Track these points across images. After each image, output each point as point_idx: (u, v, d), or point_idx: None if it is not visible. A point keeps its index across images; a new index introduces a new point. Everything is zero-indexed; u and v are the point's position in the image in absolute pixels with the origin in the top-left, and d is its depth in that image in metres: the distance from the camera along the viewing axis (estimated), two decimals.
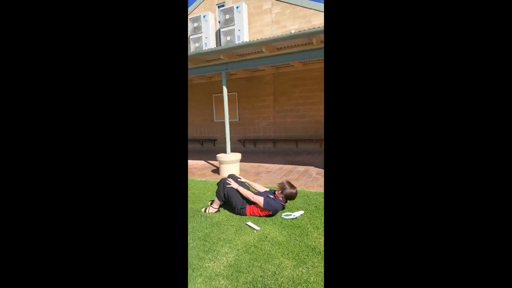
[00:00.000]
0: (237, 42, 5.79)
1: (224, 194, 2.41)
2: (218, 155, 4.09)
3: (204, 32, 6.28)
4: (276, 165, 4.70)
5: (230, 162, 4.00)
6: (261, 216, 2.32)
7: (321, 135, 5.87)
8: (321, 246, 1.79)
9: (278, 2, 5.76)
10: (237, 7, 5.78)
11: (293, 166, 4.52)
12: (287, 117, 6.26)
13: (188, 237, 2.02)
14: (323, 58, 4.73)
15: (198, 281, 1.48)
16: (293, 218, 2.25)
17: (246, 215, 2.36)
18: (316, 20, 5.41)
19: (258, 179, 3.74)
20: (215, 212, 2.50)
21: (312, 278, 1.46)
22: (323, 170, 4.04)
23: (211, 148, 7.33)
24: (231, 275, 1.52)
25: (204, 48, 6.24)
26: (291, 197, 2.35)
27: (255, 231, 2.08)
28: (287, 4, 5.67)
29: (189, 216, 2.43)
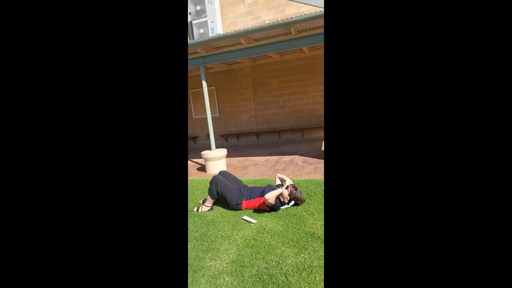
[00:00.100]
0: (211, 34, 5.61)
1: (218, 192, 2.37)
2: (203, 152, 4.00)
3: None
4: (262, 157, 4.72)
5: (216, 159, 3.93)
6: (255, 210, 2.32)
7: (302, 124, 5.99)
8: (319, 231, 1.85)
9: None
10: None
11: (278, 156, 4.57)
12: (268, 109, 6.28)
13: None
14: (300, 48, 4.77)
15: (202, 282, 1.46)
16: (287, 207, 2.29)
17: (241, 210, 2.36)
18: (289, 10, 5.40)
19: (247, 172, 3.74)
20: (208, 210, 2.46)
21: (315, 262, 1.51)
22: (308, 158, 4.14)
23: (192, 146, 7.15)
24: (235, 271, 1.52)
25: None
26: (297, 200, 2.27)
27: (252, 224, 2.08)
28: None
29: None
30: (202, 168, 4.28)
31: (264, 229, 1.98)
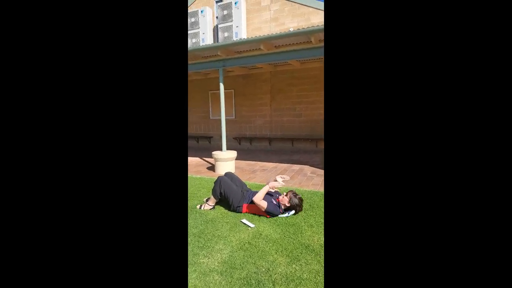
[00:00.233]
0: (235, 38, 5.75)
1: (221, 192, 2.41)
2: (213, 152, 4.08)
3: (201, 28, 6.22)
4: (271, 163, 4.71)
5: (226, 160, 3.99)
6: (255, 214, 2.33)
7: (317, 134, 5.90)
8: (314, 244, 1.82)
9: None
10: (235, 3, 5.73)
11: (288, 164, 4.54)
12: (284, 115, 6.27)
13: None
14: (321, 57, 4.74)
15: (193, 277, 1.49)
16: (287, 216, 2.27)
17: (241, 213, 2.37)
18: (315, 18, 5.40)
19: (254, 177, 3.75)
20: (210, 209, 2.50)
21: (305, 275, 1.48)
22: (317, 169, 4.07)
23: (206, 146, 7.30)
24: (225, 271, 1.53)
25: (201, 44, 6.18)
26: (295, 208, 2.27)
27: (249, 228, 2.09)
28: (286, 1, 5.65)
29: None
30: (212, 168, 4.36)
31: (261, 234, 1.98)
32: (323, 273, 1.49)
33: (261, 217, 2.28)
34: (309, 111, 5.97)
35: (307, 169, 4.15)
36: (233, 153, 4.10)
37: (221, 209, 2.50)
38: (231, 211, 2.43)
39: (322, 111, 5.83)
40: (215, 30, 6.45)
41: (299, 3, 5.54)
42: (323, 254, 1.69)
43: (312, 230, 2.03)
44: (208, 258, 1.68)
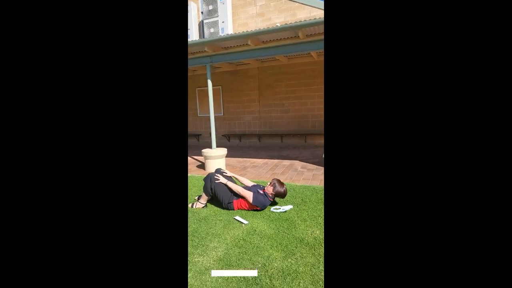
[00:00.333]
0: (221, 34, 5.66)
1: (211, 189, 2.38)
2: (203, 150, 4.02)
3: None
4: (262, 159, 4.72)
5: (216, 157, 3.95)
6: (248, 210, 2.33)
7: (305, 130, 5.97)
8: (308, 238, 1.84)
9: None
10: None
11: (278, 160, 4.56)
12: (272, 111, 6.28)
13: None
14: (308, 53, 4.76)
15: (188, 276, 1.47)
16: (282, 212, 2.28)
17: (234, 210, 2.36)
18: (301, 13, 5.41)
19: (245, 173, 3.74)
20: (203, 207, 2.47)
21: (301, 268, 1.50)
22: (307, 164, 4.13)
23: (195, 143, 7.19)
24: (221, 268, 1.52)
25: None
26: (280, 195, 2.36)
27: (243, 225, 2.09)
28: None
29: None
30: (202, 166, 4.30)
31: (255, 230, 1.98)
32: (319, 266, 1.52)
33: (255, 213, 2.28)
34: (297, 106, 6.01)
35: (297, 164, 4.19)
36: (223, 151, 4.06)
37: (213, 207, 2.48)
38: (224, 208, 2.41)
39: (310, 106, 5.89)
40: (201, 25, 6.31)
41: None
42: (317, 247, 1.72)
43: (305, 224, 2.06)
44: (203, 256, 1.66)
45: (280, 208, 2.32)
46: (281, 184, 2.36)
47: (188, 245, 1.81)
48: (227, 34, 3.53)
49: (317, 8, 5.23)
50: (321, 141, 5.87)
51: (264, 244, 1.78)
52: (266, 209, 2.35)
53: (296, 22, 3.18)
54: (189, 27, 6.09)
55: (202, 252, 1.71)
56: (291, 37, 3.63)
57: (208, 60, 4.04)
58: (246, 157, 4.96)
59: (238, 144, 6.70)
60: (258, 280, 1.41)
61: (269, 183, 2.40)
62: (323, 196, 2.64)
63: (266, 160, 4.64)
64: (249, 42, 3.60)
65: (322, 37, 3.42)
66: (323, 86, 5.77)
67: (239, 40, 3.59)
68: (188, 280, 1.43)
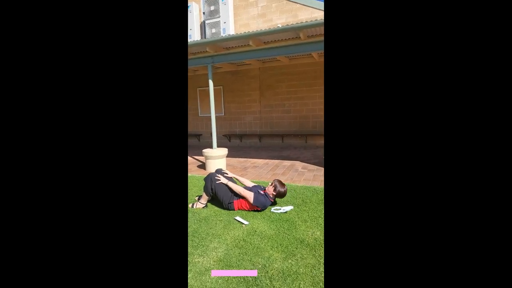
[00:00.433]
0: (222, 34, 5.67)
1: (212, 189, 2.38)
2: (204, 150, 4.02)
3: (188, 24, 6.08)
4: (262, 160, 4.71)
5: (217, 157, 3.95)
6: (249, 211, 2.32)
7: (306, 130, 5.96)
8: (309, 239, 1.84)
9: None
10: None
11: (279, 161, 4.56)
12: (273, 112, 6.28)
13: None
14: (310, 53, 4.76)
15: (189, 277, 1.46)
16: (282, 212, 2.28)
17: (234, 210, 2.36)
18: (302, 14, 5.41)
19: (245, 174, 3.74)
20: (203, 207, 2.47)
21: (301, 269, 1.49)
22: (308, 165, 4.12)
23: (196, 143, 7.20)
24: (221, 269, 1.52)
25: (189, 40, 6.05)
26: (281, 195, 2.36)
27: (244, 225, 2.08)
28: None
29: None
30: (203, 166, 4.30)
31: (255, 231, 1.97)
32: (319, 267, 1.51)
33: (255, 213, 2.28)
34: (298, 107, 6.01)
35: (298, 164, 4.18)
36: (224, 151, 4.06)
37: (214, 207, 2.47)
38: (224, 209, 2.41)
39: (311, 107, 5.89)
40: (202, 26, 6.32)
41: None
42: (318, 248, 1.71)
43: (306, 225, 2.05)
44: (203, 257, 1.66)
45: (280, 209, 2.31)
46: (282, 185, 2.36)
47: (188, 245, 1.80)
48: (229, 35, 3.54)
49: (318, 9, 5.23)
50: (322, 141, 5.86)
51: (265, 244, 1.78)
52: (267, 209, 2.34)
53: (297, 23, 3.18)
54: (190, 27, 6.10)
55: (202, 253, 1.70)
56: (293, 38, 3.63)
57: (209, 60, 4.05)
58: (246, 157, 4.96)
59: (239, 144, 6.70)
60: (258, 281, 1.40)
61: (270, 184, 2.40)
62: (323, 197, 2.63)
63: (267, 160, 4.64)
64: (250, 43, 3.61)
65: (323, 38, 3.42)
66: (323, 87, 5.76)
67: (241, 40, 3.59)
68: (188, 281, 1.43)
